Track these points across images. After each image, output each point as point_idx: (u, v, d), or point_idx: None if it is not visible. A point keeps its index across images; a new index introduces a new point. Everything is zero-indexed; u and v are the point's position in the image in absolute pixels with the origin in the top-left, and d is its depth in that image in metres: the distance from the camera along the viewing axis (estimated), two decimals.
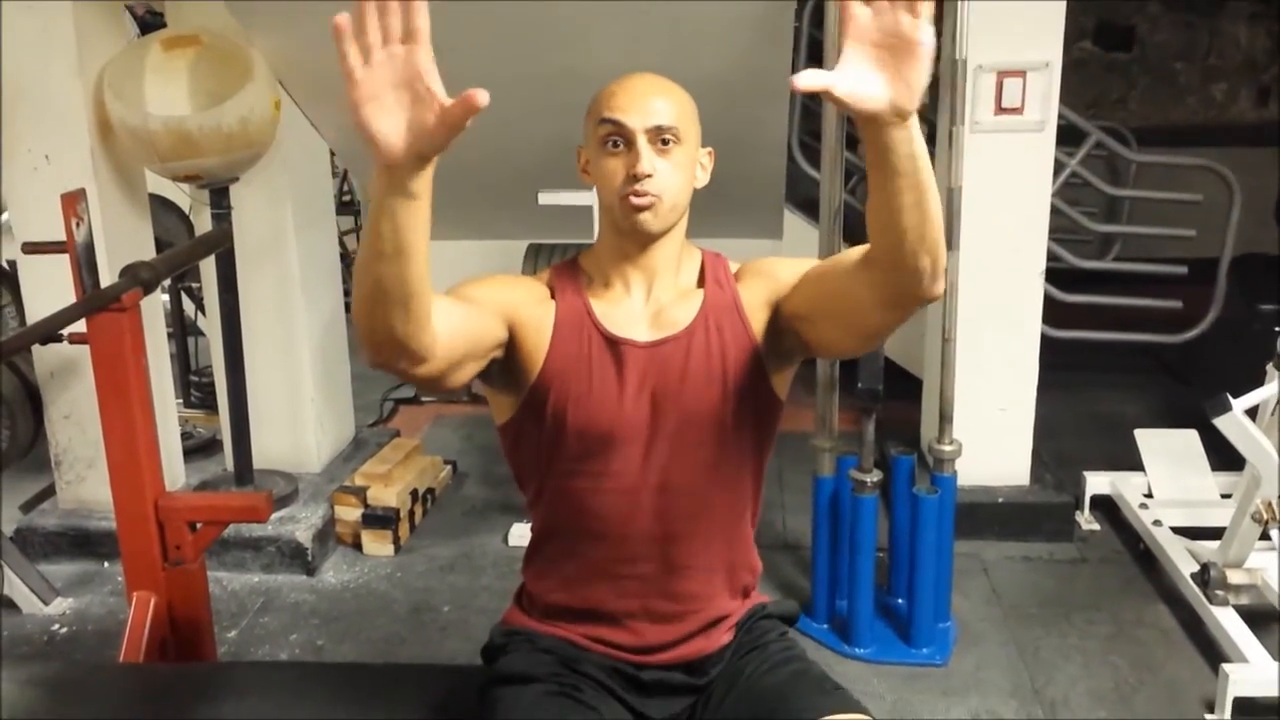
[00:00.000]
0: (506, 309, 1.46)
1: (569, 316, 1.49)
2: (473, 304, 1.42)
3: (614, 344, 1.48)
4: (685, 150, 1.45)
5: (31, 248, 2.70)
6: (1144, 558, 3.16)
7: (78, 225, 2.45)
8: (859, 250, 1.34)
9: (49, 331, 2.29)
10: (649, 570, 1.49)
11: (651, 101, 1.44)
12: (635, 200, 1.43)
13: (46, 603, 3.04)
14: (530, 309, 1.49)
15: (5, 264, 3.66)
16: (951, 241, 2.86)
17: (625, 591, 1.50)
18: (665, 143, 1.43)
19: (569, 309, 1.50)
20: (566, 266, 1.57)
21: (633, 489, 1.48)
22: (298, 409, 3.57)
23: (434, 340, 1.27)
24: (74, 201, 2.45)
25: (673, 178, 1.44)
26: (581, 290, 1.52)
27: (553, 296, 1.52)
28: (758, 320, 1.50)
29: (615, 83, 1.47)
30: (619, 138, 1.43)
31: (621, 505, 1.48)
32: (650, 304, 1.51)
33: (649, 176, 1.42)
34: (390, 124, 1.10)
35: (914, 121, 1.18)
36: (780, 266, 1.53)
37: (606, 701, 1.49)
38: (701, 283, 1.53)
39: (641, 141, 1.42)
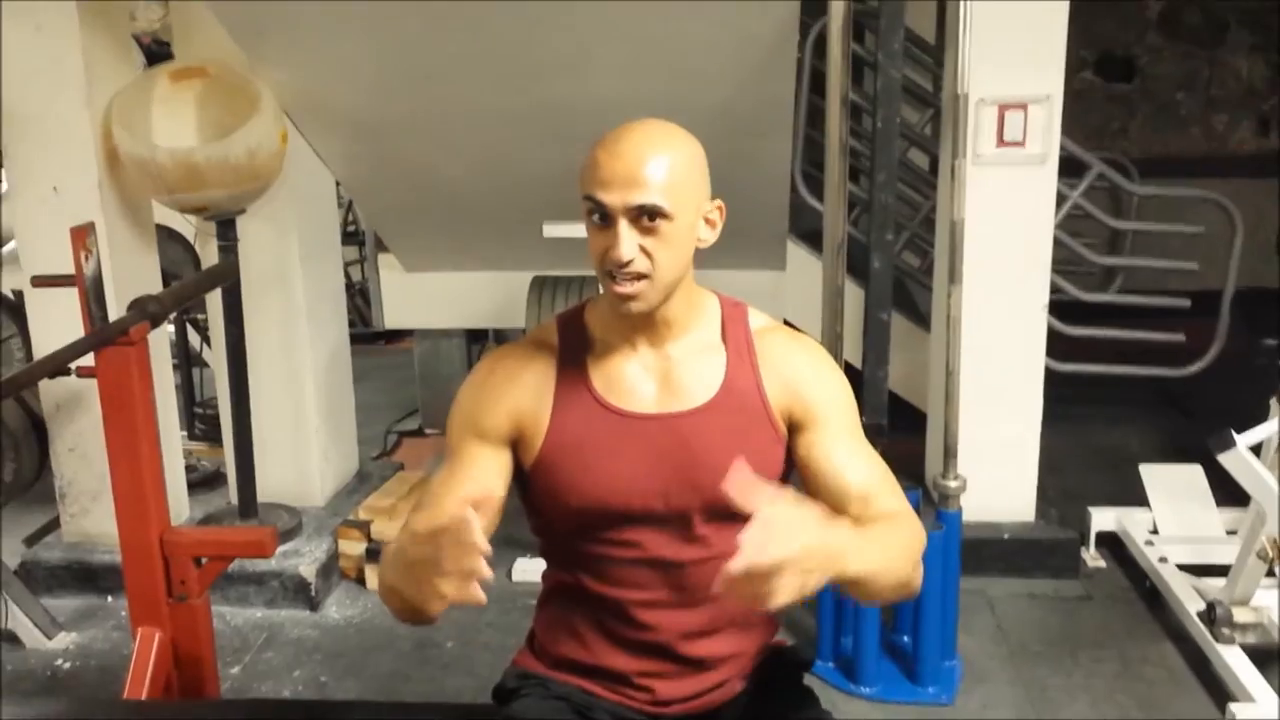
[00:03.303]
0: (509, 435, 1.44)
1: (568, 392, 1.45)
2: (473, 470, 1.42)
3: (617, 417, 1.43)
4: (677, 224, 1.35)
5: (41, 281, 2.70)
6: (1150, 595, 3.15)
7: (86, 258, 2.45)
8: (853, 516, 1.38)
9: (58, 365, 2.29)
10: (663, 637, 1.46)
11: (637, 174, 1.32)
12: (617, 289, 1.36)
13: (50, 637, 3.03)
14: (526, 402, 1.44)
15: (10, 294, 3.67)
16: (954, 275, 2.87)
17: (638, 653, 1.47)
18: (652, 219, 1.33)
19: (568, 382, 1.45)
20: (572, 321, 1.50)
21: (645, 560, 1.44)
22: (302, 442, 3.56)
23: None
24: (83, 234, 2.45)
25: (660, 256, 1.35)
26: (583, 355, 1.47)
27: (555, 360, 1.47)
28: (779, 412, 1.45)
29: (604, 143, 1.36)
30: (600, 214, 1.35)
31: (633, 575, 1.44)
32: (659, 362, 1.45)
33: (629, 262, 1.34)
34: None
35: (845, 550, 1.22)
36: (813, 394, 1.44)
37: None
38: (722, 337, 1.47)
39: (622, 224, 1.33)
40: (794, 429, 1.46)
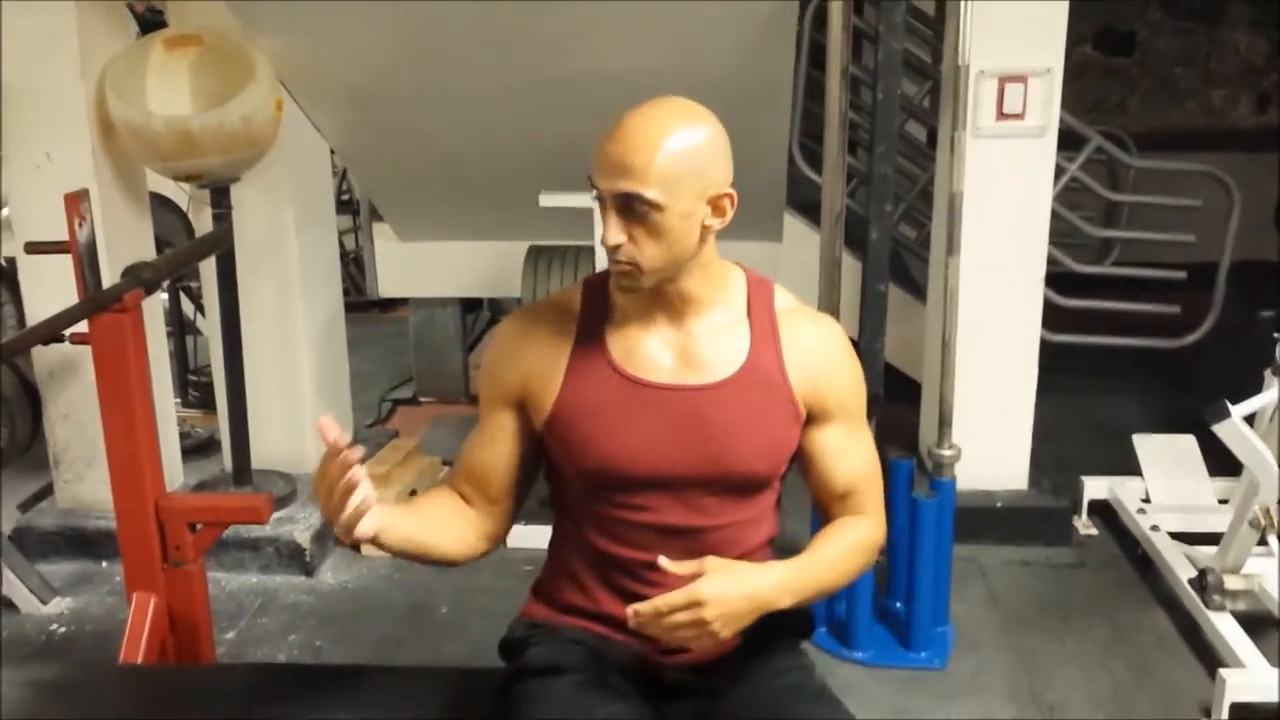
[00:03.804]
0: (517, 397, 1.50)
1: (585, 357, 1.46)
2: (494, 446, 1.52)
3: (633, 385, 1.45)
4: (669, 214, 1.34)
5: (35, 247, 2.69)
6: (1142, 563, 3.17)
7: (80, 225, 2.44)
8: (827, 511, 1.56)
9: (52, 332, 2.28)
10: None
11: (626, 162, 1.33)
12: (612, 267, 1.41)
13: (45, 602, 3.04)
14: (536, 364, 1.48)
15: (3, 261, 3.66)
16: (952, 246, 2.87)
17: None
18: (640, 208, 1.34)
19: (586, 347, 1.47)
20: (598, 288, 1.51)
21: (653, 525, 1.46)
22: (296, 409, 3.56)
23: (494, 530, 1.56)
24: (77, 201, 2.44)
25: (646, 245, 1.36)
26: (603, 322, 1.48)
27: (575, 324, 1.49)
28: (799, 395, 1.47)
29: (612, 128, 1.36)
30: (601, 199, 1.38)
31: (643, 538, 1.46)
32: (679, 337, 1.46)
33: (617, 247, 1.37)
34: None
35: (776, 596, 1.38)
36: (832, 387, 1.48)
37: (632, 696, 1.48)
38: (747, 314, 1.48)
39: (611, 211, 1.36)
40: (808, 417, 1.49)
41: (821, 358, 1.49)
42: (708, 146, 1.37)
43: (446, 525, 1.51)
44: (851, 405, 1.52)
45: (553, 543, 1.61)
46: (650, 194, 1.33)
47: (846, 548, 1.50)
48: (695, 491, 1.45)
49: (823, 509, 1.58)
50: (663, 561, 1.37)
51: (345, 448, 1.27)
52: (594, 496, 1.48)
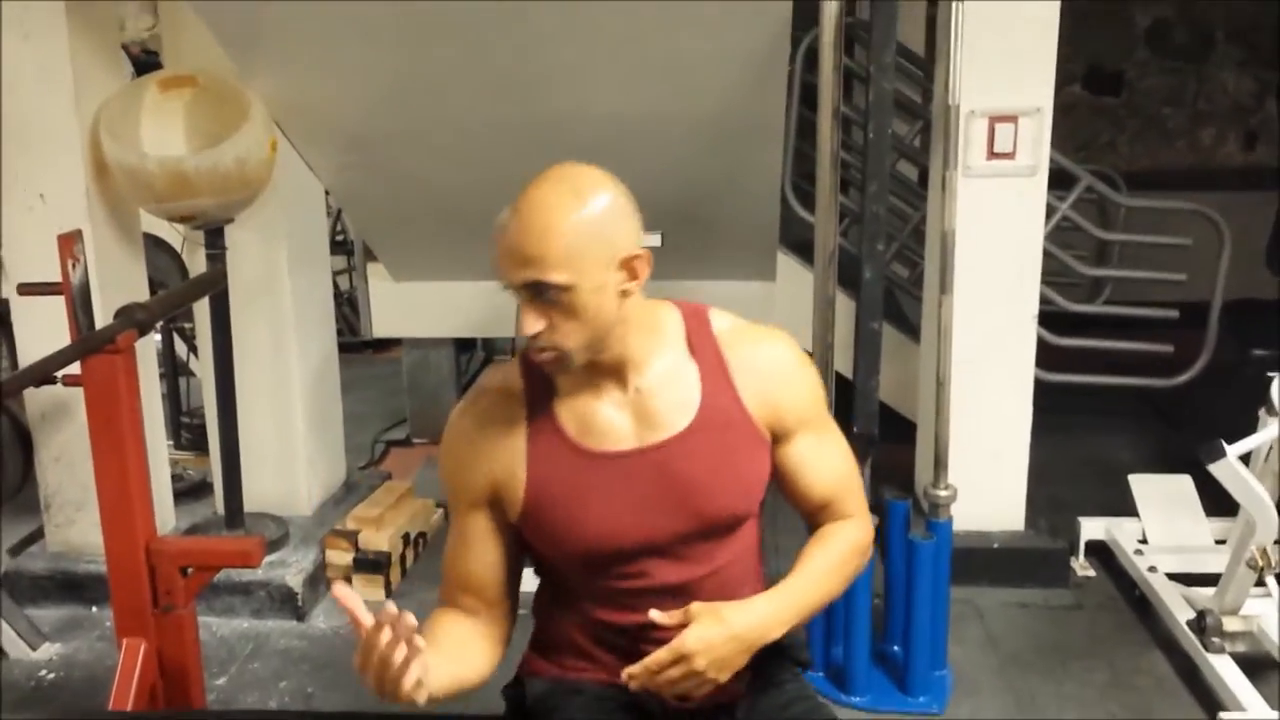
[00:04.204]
0: (487, 497, 1.46)
1: (542, 441, 1.43)
2: (480, 552, 1.47)
3: (596, 459, 1.42)
4: (580, 291, 1.31)
5: (27, 289, 2.69)
6: (1140, 604, 3.15)
7: (74, 266, 2.44)
8: (810, 520, 1.57)
9: (44, 373, 2.27)
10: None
11: (524, 252, 1.30)
12: (534, 356, 1.38)
13: (34, 648, 3.01)
14: (499, 460, 1.44)
15: None
16: (944, 285, 2.88)
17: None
18: (550, 293, 1.31)
19: (540, 431, 1.43)
20: (534, 367, 1.44)
21: (651, 587, 1.44)
22: (289, 451, 3.54)
23: (506, 631, 1.53)
24: (70, 242, 2.44)
25: (565, 327, 1.33)
26: (551, 399, 1.44)
27: (524, 408, 1.45)
28: (760, 422, 1.46)
29: (508, 217, 1.33)
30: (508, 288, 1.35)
31: (641, 601, 1.43)
32: (631, 395, 1.43)
33: (535, 336, 1.34)
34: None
35: (765, 629, 1.41)
36: (789, 403, 1.47)
37: None
38: (689, 349, 1.45)
39: (523, 301, 1.33)
40: (774, 438, 1.48)
41: (773, 377, 1.47)
42: (607, 214, 1.33)
43: (470, 648, 1.47)
44: (813, 414, 1.51)
45: (540, 606, 1.58)
46: (557, 279, 1.30)
47: (835, 558, 1.51)
48: (682, 546, 1.44)
49: (806, 519, 1.58)
50: (654, 615, 1.38)
51: (396, 615, 1.22)
52: (586, 574, 1.46)
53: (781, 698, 1.52)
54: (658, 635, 1.40)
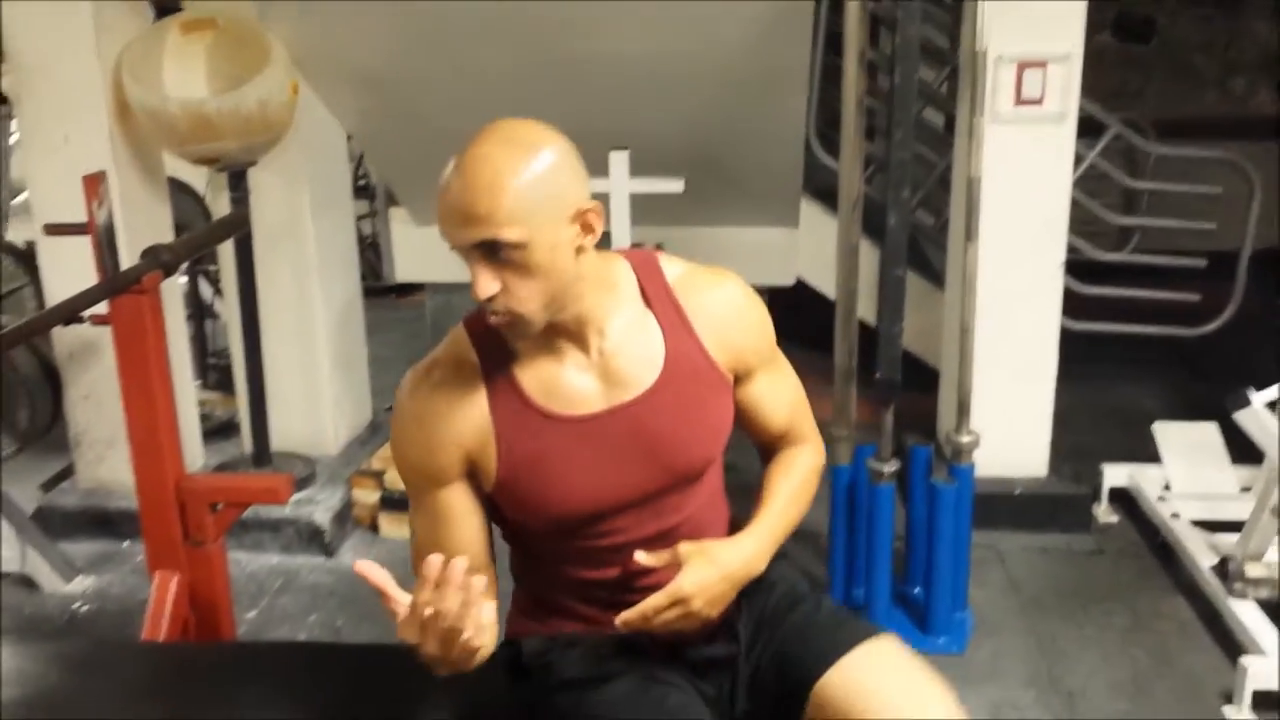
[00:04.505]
0: (461, 469, 1.38)
1: (506, 410, 1.37)
2: (461, 528, 1.40)
3: (566, 424, 1.37)
4: (534, 248, 1.25)
5: (53, 229, 2.71)
6: (1162, 550, 3.15)
7: (99, 207, 2.45)
8: (768, 450, 1.59)
9: (71, 312, 2.29)
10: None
11: (473, 210, 1.23)
12: (490, 320, 1.31)
13: (67, 581, 3.07)
14: (467, 433, 1.36)
15: (23, 244, 3.67)
16: (970, 232, 2.85)
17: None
18: (503, 252, 1.24)
19: (503, 400, 1.37)
20: (487, 330, 1.36)
21: (630, 542, 1.43)
22: (315, 392, 3.58)
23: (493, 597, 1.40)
24: (95, 183, 2.45)
25: (521, 289, 1.27)
26: (509, 366, 1.38)
27: (481, 378, 1.37)
28: (723, 366, 1.45)
29: (449, 175, 1.26)
30: (456, 250, 1.27)
31: (620, 556, 1.43)
32: (593, 358, 1.38)
33: (491, 299, 1.27)
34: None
35: (753, 563, 1.45)
36: (746, 343, 1.46)
37: (680, 680, 1.46)
38: (645, 300, 1.42)
39: (474, 262, 1.26)
40: (735, 379, 1.49)
41: (730, 319, 1.45)
42: (556, 168, 1.27)
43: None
44: (768, 350, 1.51)
45: (518, 570, 1.56)
46: (510, 236, 1.23)
47: (799, 486, 1.55)
48: (657, 500, 1.43)
49: (762, 449, 1.60)
50: (639, 556, 1.40)
51: (460, 568, 1.15)
52: (562, 538, 1.44)
53: (772, 595, 1.52)
54: (640, 584, 1.42)
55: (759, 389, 1.51)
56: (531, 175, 1.24)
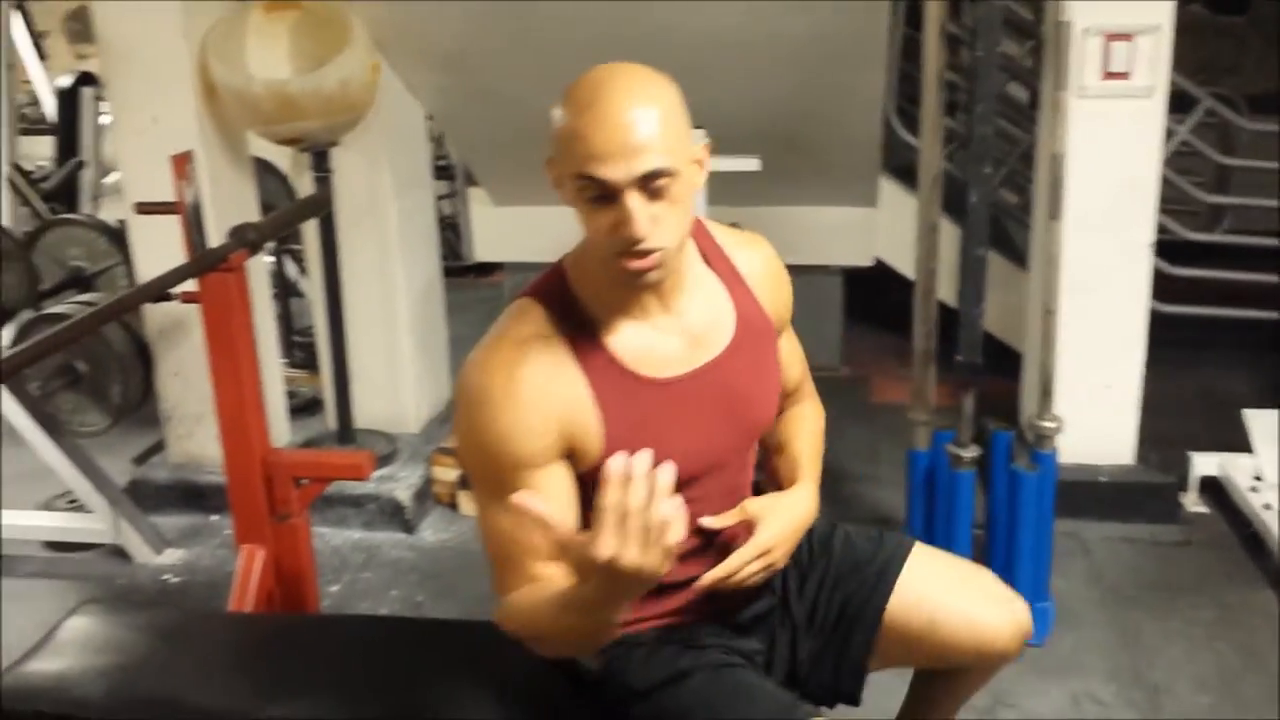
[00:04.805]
0: (561, 449, 1.32)
1: (604, 381, 1.33)
2: (565, 508, 1.31)
3: (663, 387, 1.36)
4: (679, 181, 1.23)
5: (143, 208, 2.77)
6: (1252, 542, 3.06)
7: (186, 186, 2.51)
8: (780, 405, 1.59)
9: (161, 289, 2.35)
10: (712, 562, 1.45)
11: (634, 140, 1.19)
12: (634, 265, 1.25)
13: (158, 553, 3.17)
14: (568, 410, 1.31)
15: (116, 223, 3.77)
16: (1054, 210, 2.78)
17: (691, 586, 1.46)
18: (658, 182, 1.21)
19: (598, 371, 1.33)
20: (561, 303, 1.35)
21: (703, 510, 1.44)
22: (396, 370, 3.63)
23: None
24: (183, 162, 2.49)
25: (670, 220, 1.24)
26: (596, 336, 1.34)
27: (568, 350, 1.32)
28: (775, 322, 1.51)
29: (580, 110, 1.21)
30: (602, 194, 1.22)
31: (692, 524, 1.38)
32: (675, 319, 1.37)
33: (642, 239, 1.22)
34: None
35: (811, 511, 1.53)
36: (782, 303, 1.53)
37: (748, 656, 1.50)
38: (706, 263, 1.43)
39: (631, 197, 1.21)
40: None
41: (772, 279, 1.51)
42: (680, 104, 1.27)
43: None
44: (788, 314, 1.57)
45: None
46: (670, 163, 1.21)
47: (818, 440, 1.64)
48: (735, 458, 1.48)
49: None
50: (707, 521, 1.44)
51: (643, 462, 1.08)
52: None
53: (804, 540, 1.57)
54: (706, 558, 1.45)
55: (782, 347, 1.56)
56: (671, 105, 1.25)
